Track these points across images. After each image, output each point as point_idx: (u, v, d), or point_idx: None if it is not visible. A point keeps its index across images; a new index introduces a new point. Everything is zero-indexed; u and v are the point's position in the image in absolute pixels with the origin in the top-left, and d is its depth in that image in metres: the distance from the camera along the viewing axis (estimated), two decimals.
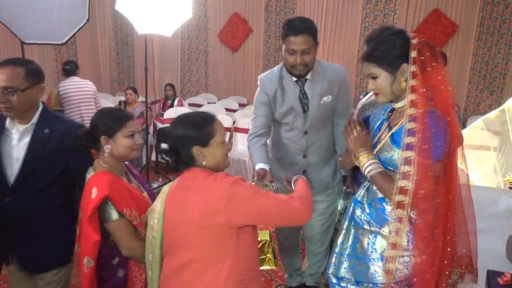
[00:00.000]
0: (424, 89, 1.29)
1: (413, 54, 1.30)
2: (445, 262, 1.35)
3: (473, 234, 1.42)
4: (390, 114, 1.53)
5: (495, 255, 1.71)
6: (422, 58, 1.30)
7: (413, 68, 1.30)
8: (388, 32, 1.39)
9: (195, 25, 7.32)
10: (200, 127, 1.32)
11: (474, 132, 3.35)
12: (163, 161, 1.44)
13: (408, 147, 1.27)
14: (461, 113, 2.50)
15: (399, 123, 1.39)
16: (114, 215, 1.46)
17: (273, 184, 1.79)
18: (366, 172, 1.43)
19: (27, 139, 1.61)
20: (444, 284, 1.38)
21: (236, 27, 7.01)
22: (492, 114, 3.36)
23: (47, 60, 7.19)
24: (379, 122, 1.55)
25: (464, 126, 3.69)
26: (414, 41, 1.32)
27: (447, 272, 1.38)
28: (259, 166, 1.95)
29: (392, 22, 5.84)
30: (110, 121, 1.54)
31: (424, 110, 1.28)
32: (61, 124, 1.68)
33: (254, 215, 1.24)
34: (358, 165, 1.49)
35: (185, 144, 1.31)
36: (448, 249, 1.35)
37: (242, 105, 6.77)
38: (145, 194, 1.67)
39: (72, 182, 1.69)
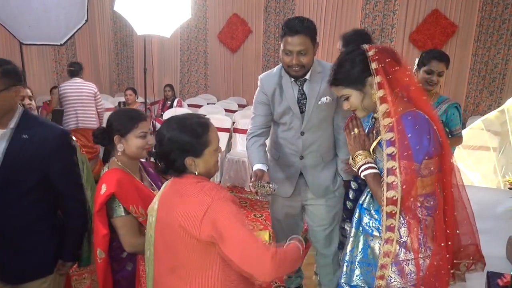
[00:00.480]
0: (391, 97, 1.29)
1: (373, 65, 1.31)
2: (447, 256, 1.35)
3: (476, 230, 1.43)
4: (373, 120, 1.54)
5: (495, 256, 1.70)
6: (383, 65, 1.30)
7: (377, 79, 1.30)
8: (345, 53, 1.41)
9: (194, 26, 7.32)
10: (195, 137, 1.26)
11: (474, 132, 3.34)
12: None
13: (390, 157, 1.27)
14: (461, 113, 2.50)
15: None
16: (120, 211, 1.53)
17: (271, 185, 1.78)
18: (360, 173, 1.43)
19: (3, 145, 1.49)
20: (446, 278, 1.37)
21: (236, 28, 7.00)
22: (492, 115, 3.35)
23: (47, 61, 7.20)
24: (366, 129, 1.56)
25: (463, 127, 3.68)
26: (370, 53, 1.32)
27: (448, 266, 1.37)
28: (257, 166, 1.94)
29: (391, 22, 5.84)
30: (124, 121, 1.59)
31: (397, 117, 1.28)
32: (43, 129, 1.56)
33: (220, 234, 1.17)
34: (353, 166, 1.49)
35: (178, 154, 1.27)
36: (449, 242, 1.35)
37: (241, 106, 6.76)
38: (156, 192, 1.67)
39: (54, 189, 1.60)
